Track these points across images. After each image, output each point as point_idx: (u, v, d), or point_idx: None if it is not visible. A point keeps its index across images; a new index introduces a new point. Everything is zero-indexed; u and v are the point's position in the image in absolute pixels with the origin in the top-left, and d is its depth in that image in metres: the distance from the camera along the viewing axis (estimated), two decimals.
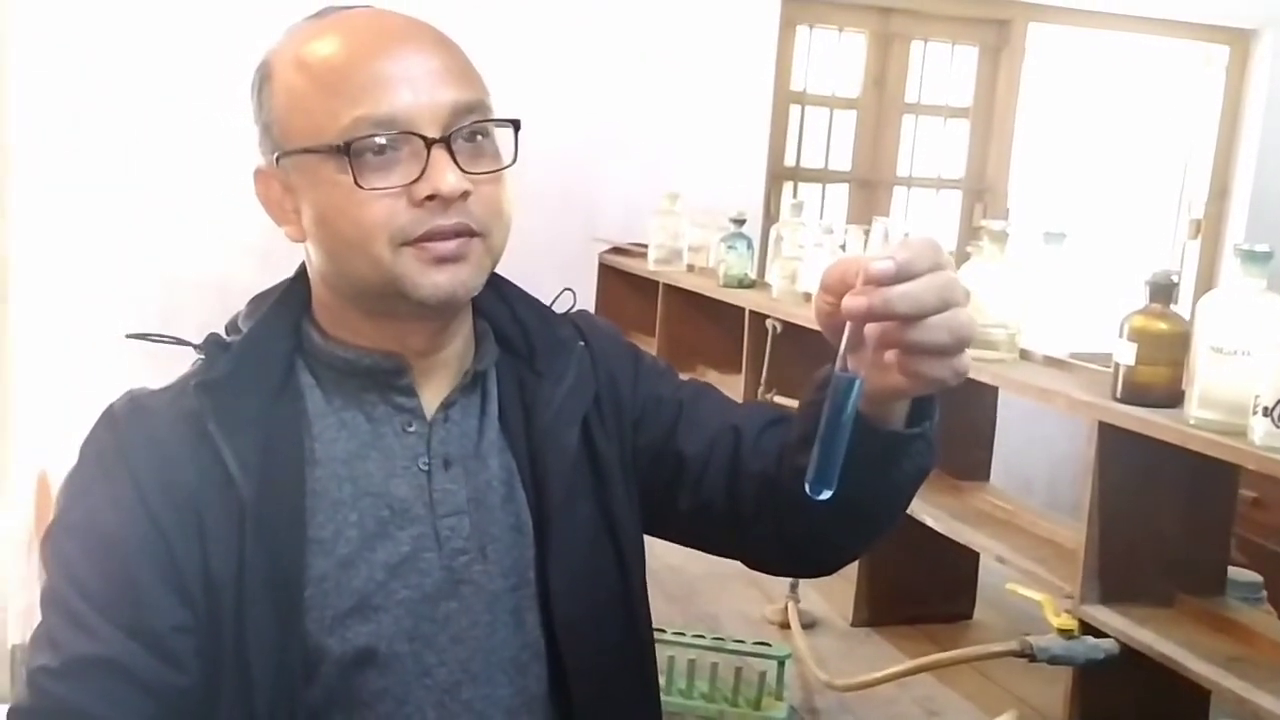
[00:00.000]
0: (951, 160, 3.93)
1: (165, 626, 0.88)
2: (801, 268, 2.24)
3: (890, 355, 0.80)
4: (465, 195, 0.88)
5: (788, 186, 3.75)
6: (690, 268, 2.79)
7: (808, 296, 2.19)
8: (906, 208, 3.91)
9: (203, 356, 0.95)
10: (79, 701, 0.86)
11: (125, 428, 0.92)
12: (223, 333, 0.98)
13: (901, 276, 0.75)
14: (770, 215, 3.51)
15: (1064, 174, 4.14)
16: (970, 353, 0.81)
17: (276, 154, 0.92)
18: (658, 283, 2.80)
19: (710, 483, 1.02)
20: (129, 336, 1.01)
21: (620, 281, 3.09)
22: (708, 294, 2.56)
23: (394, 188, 0.87)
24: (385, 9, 0.94)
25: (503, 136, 0.93)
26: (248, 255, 3.02)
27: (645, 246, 2.92)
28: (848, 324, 0.78)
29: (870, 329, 0.78)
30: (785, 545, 1.02)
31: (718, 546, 1.09)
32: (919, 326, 0.76)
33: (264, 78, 0.93)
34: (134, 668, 0.86)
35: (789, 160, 3.75)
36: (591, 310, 1.10)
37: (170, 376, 0.97)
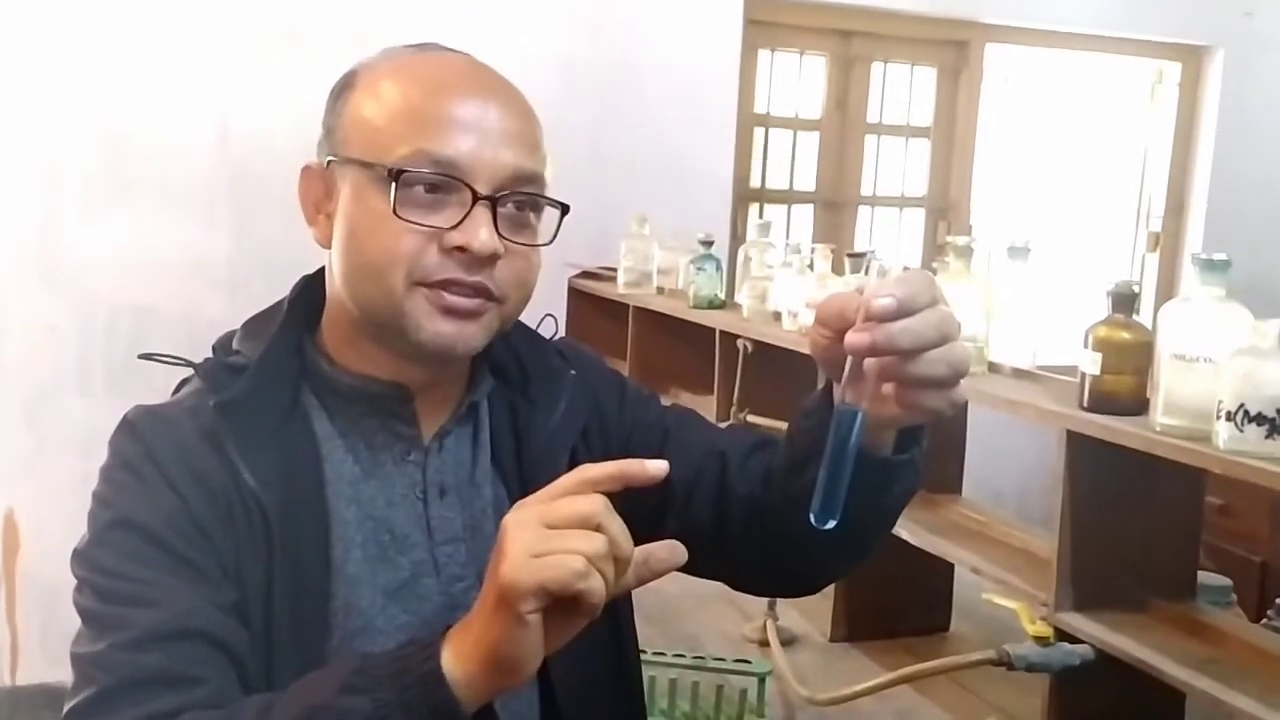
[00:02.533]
0: (914, 179, 3.98)
1: (228, 599, 0.86)
2: (771, 287, 2.26)
3: (888, 387, 0.82)
4: (494, 258, 0.88)
5: (753, 208, 3.78)
6: (660, 290, 2.81)
7: (778, 316, 2.21)
8: (871, 227, 3.96)
9: (200, 381, 0.94)
10: (169, 666, 0.80)
11: (148, 434, 0.90)
12: (212, 355, 0.97)
13: (902, 312, 0.77)
14: (737, 237, 3.53)
15: (1025, 190, 4.20)
16: None
17: (330, 158, 0.92)
18: (628, 305, 2.82)
19: (697, 507, 1.03)
20: (141, 357, 1.00)
21: (590, 305, 3.10)
22: (678, 315, 2.58)
23: (428, 227, 0.87)
24: (482, 63, 0.95)
25: (548, 215, 0.94)
26: (216, 290, 3.03)
27: (614, 270, 2.94)
28: (849, 358, 0.80)
29: (869, 363, 0.80)
30: (772, 567, 1.03)
31: (704, 570, 1.10)
32: (918, 360, 0.78)
33: (346, 85, 0.94)
34: (213, 629, 0.83)
35: (754, 182, 3.79)
36: (548, 326, 1.12)
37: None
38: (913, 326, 0.77)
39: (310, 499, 0.91)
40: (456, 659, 0.74)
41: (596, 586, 0.71)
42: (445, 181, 0.88)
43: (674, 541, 0.76)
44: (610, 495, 1.04)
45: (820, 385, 0.94)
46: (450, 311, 0.89)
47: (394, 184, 0.87)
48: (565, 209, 0.94)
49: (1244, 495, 3.07)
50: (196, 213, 3.08)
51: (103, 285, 3.03)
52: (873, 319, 0.77)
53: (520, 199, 0.91)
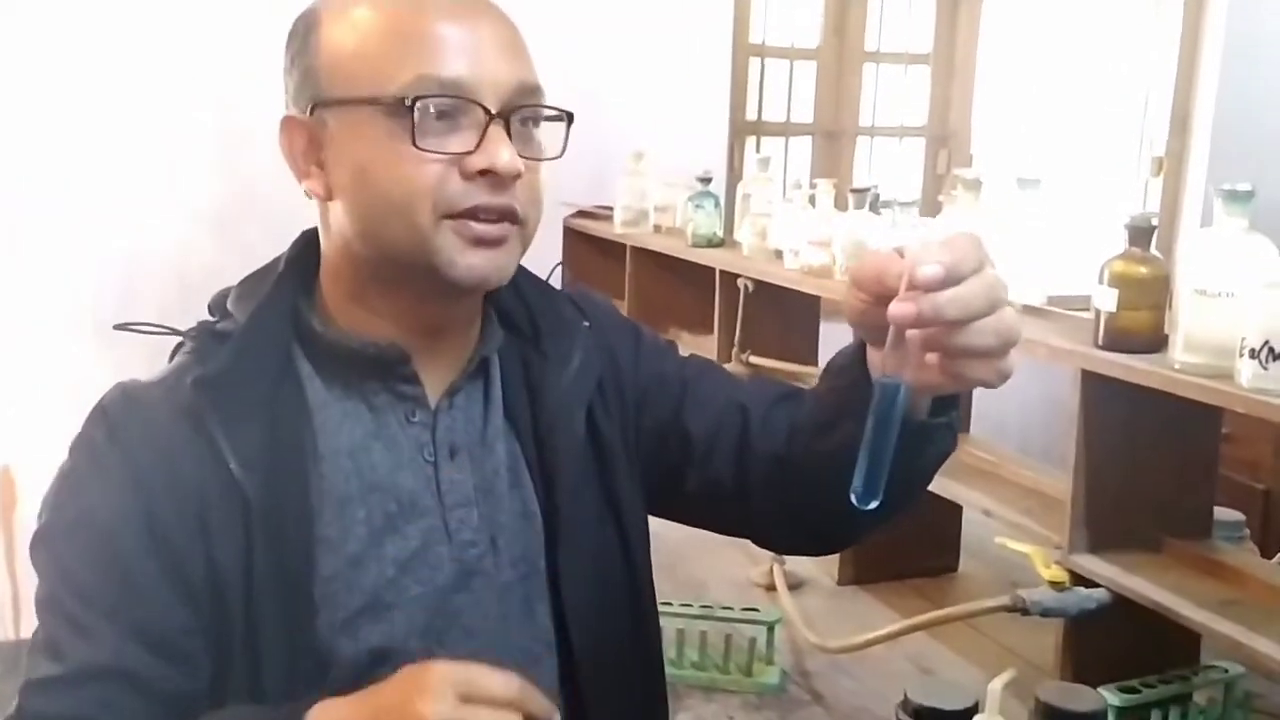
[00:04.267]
0: (914, 108, 3.90)
1: (172, 628, 0.84)
2: (771, 224, 2.21)
3: (931, 356, 0.77)
4: (517, 176, 0.84)
5: (750, 141, 3.70)
6: (657, 228, 2.75)
7: (779, 253, 2.16)
8: (870, 157, 3.89)
9: (192, 348, 0.91)
10: (85, 712, 0.82)
11: (119, 422, 0.87)
12: (208, 316, 0.93)
13: (949, 281, 0.72)
14: (734, 171, 3.47)
15: (1026, 116, 4.12)
16: None
17: (313, 103, 0.87)
18: (625, 245, 2.76)
19: (718, 462, 1.00)
20: (116, 328, 0.96)
21: (587, 245, 3.04)
22: (677, 255, 2.53)
23: (447, 154, 0.83)
24: None
25: (549, 128, 0.90)
26: (200, 224, 2.97)
27: (610, 208, 2.88)
28: (890, 327, 0.75)
29: (912, 333, 0.75)
30: (795, 524, 1.01)
31: (726, 526, 1.08)
32: (966, 330, 0.74)
33: (311, 25, 0.88)
34: (141, 674, 0.83)
35: (750, 114, 3.71)
36: (559, 275, 1.08)
37: (135, 364, 0.93)
38: (961, 296, 0.73)
39: (297, 478, 0.87)
40: None
41: None
42: (455, 104, 0.83)
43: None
44: (629, 456, 1.01)
45: (843, 330, 0.90)
46: (480, 241, 0.85)
47: (412, 112, 0.82)
48: (570, 118, 0.90)
49: (1248, 423, 3.03)
50: (181, 153, 3.01)
51: (88, 236, 2.96)
52: (917, 288, 0.72)
53: (528, 114, 0.87)
